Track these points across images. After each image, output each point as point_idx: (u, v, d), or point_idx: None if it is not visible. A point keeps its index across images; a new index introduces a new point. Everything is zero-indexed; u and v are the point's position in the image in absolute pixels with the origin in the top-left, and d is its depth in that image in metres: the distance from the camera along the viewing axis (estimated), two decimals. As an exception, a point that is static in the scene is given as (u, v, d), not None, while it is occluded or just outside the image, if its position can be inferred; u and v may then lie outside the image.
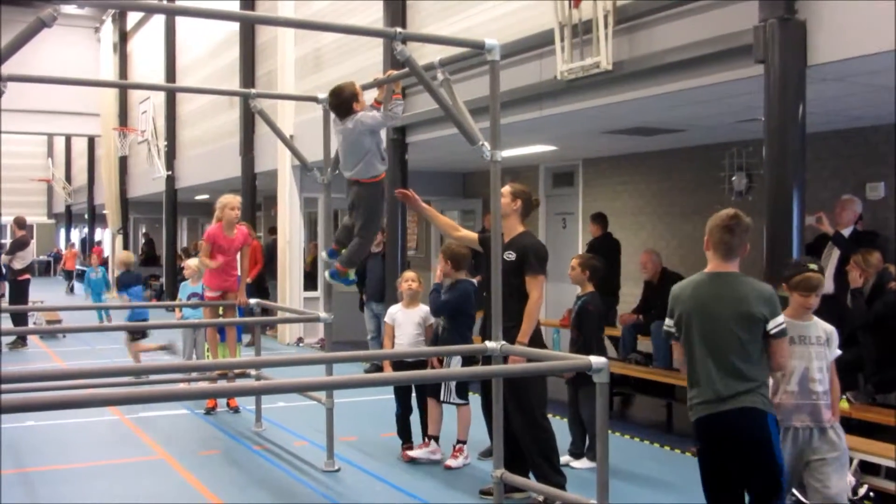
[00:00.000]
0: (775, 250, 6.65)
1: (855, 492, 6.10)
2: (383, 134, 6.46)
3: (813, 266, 5.11)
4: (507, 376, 5.68)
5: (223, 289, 9.22)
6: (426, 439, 7.67)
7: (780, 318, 4.43)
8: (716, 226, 4.62)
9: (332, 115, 6.29)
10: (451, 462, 7.44)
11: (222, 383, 9.21)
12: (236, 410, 9.70)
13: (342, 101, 5.90)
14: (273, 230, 17.27)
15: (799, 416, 4.86)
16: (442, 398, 7.51)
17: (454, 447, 7.54)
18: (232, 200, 8.96)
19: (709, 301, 4.48)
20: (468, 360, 7.14)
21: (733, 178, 10.61)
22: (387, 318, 8.00)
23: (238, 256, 9.28)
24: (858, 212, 8.59)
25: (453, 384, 7.44)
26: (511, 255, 6.17)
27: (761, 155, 6.87)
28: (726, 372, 4.39)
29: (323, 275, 6.69)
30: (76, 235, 41.29)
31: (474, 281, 7.68)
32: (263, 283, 15.46)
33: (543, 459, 6.20)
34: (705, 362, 4.44)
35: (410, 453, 7.61)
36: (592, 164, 13.43)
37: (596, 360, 4.33)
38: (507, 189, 6.37)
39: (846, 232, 8.50)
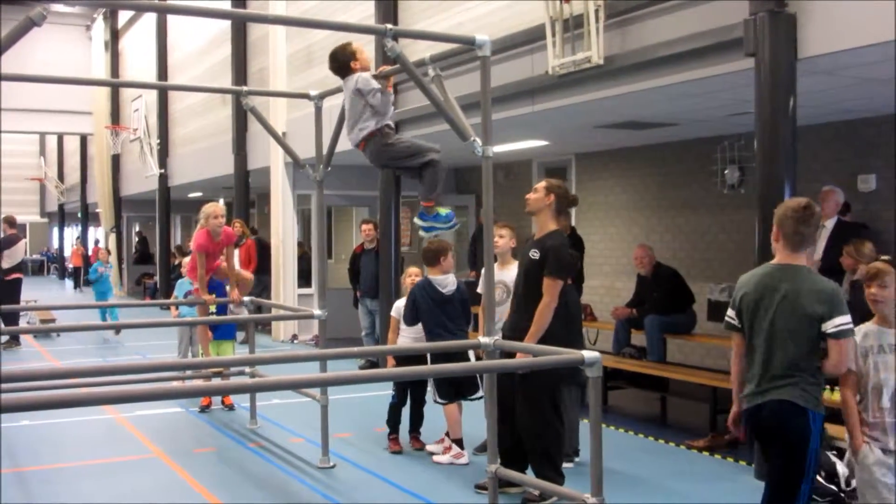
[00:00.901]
0: (767, 243, 6.64)
1: (848, 483, 6.12)
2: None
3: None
4: (500, 371, 5.66)
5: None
6: (447, 442, 7.64)
7: (842, 319, 4.30)
8: (788, 217, 4.44)
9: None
10: (439, 458, 7.49)
11: (217, 381, 9.21)
12: (231, 408, 9.71)
13: (340, 63, 5.75)
14: (254, 230, 17.26)
15: None
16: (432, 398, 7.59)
17: (444, 446, 7.59)
18: (216, 209, 8.93)
19: (768, 293, 4.44)
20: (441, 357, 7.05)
21: (726, 172, 10.63)
22: (393, 312, 8.02)
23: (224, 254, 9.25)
24: (841, 201, 8.60)
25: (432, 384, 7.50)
26: (536, 254, 6.01)
27: (753, 148, 6.89)
28: (771, 365, 4.39)
29: (418, 233, 5.81)
30: (69, 234, 41.22)
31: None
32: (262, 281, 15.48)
33: (546, 459, 6.07)
34: (757, 354, 4.47)
35: (437, 458, 7.56)
36: (585, 159, 13.44)
37: (588, 354, 4.35)
38: (541, 184, 6.17)
39: (829, 223, 8.51)
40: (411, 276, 7.96)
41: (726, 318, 4.74)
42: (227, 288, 9.27)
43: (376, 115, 5.56)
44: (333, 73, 5.85)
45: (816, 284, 4.38)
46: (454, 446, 7.51)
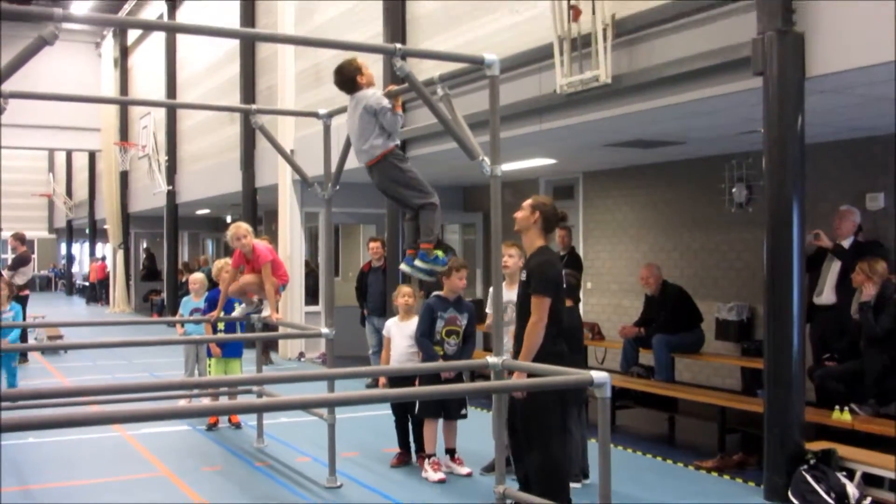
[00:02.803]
0: (776, 261, 6.65)
1: (858, 504, 6.09)
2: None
3: None
4: (507, 392, 5.62)
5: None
6: (450, 456, 7.72)
7: None
8: None
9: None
10: (426, 474, 7.51)
11: (224, 399, 9.18)
12: (238, 426, 9.69)
13: (345, 78, 5.74)
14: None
15: None
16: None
17: (429, 461, 7.61)
18: (236, 231, 8.33)
19: None
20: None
21: (734, 190, 10.62)
22: (384, 331, 8.12)
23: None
24: (857, 222, 8.61)
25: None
26: (524, 275, 5.93)
27: (761, 166, 6.88)
28: None
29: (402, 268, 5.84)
30: (77, 250, 41.33)
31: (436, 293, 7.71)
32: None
33: (548, 492, 5.52)
34: None
35: (424, 475, 7.56)
36: (593, 177, 13.44)
37: (598, 374, 4.33)
38: (528, 202, 6.03)
39: (846, 243, 8.52)
40: (403, 295, 7.96)
41: None
42: (237, 305, 9.17)
43: (384, 133, 5.57)
44: (338, 88, 5.85)
45: None
46: (427, 459, 7.59)
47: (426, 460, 7.60)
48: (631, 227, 12.75)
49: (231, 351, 9.62)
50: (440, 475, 7.43)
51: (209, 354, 9.75)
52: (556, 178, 14.07)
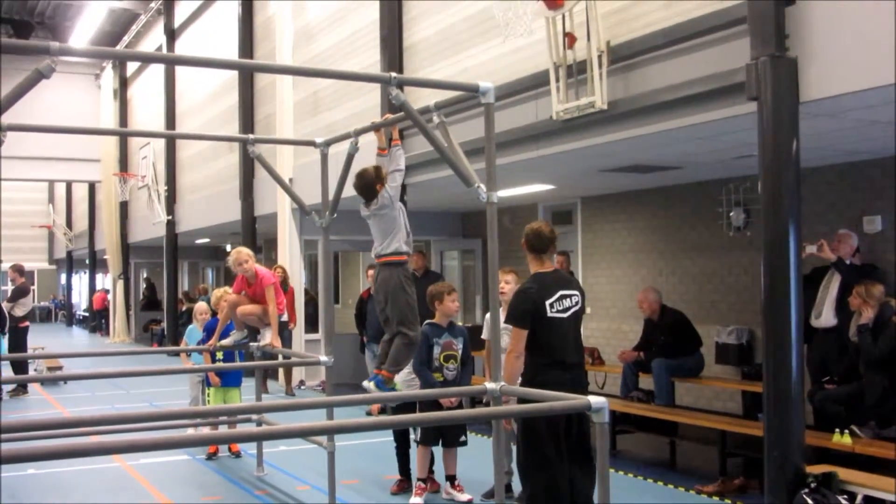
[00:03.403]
0: (773, 284, 6.66)
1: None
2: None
3: None
4: (504, 417, 5.58)
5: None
6: (451, 483, 7.73)
7: None
8: None
9: (361, 202, 6.27)
10: (413, 499, 7.54)
11: (224, 428, 9.16)
12: (238, 455, 9.67)
13: (367, 183, 5.90)
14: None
15: None
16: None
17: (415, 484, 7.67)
18: (237, 256, 8.33)
19: None
20: None
21: (731, 214, 10.66)
22: None
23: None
24: (855, 245, 8.64)
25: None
26: None
27: (758, 190, 6.90)
28: None
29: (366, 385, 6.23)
30: (77, 281, 41.34)
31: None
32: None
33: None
34: None
35: (413, 500, 7.59)
36: (591, 202, 13.48)
37: (595, 399, 4.32)
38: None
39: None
40: None
41: None
42: (233, 333, 9.06)
43: (407, 242, 5.96)
44: (357, 193, 6.04)
45: None
46: (418, 483, 7.64)
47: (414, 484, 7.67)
48: (630, 251, 12.77)
49: (230, 380, 9.60)
50: (417, 500, 7.49)
51: (208, 384, 9.72)
52: (555, 203, 14.11)
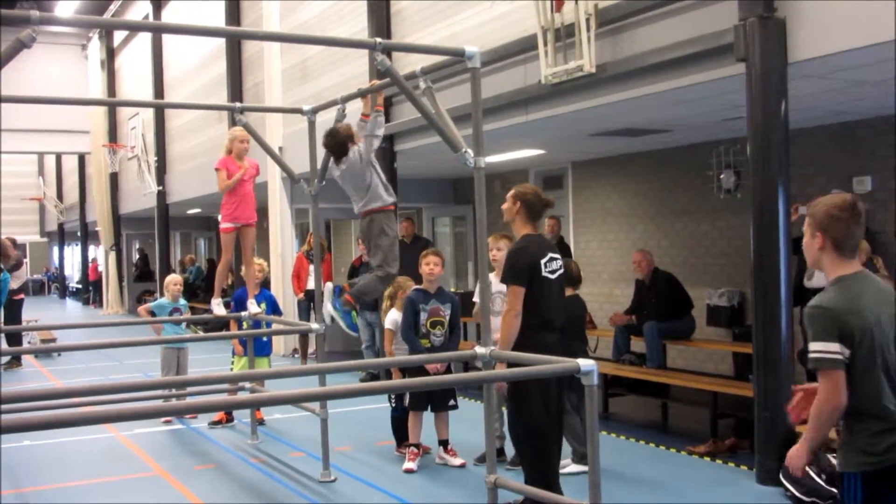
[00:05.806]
0: (762, 246, 6.69)
1: None
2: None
3: None
4: (494, 381, 5.59)
5: (241, 221, 8.29)
6: (443, 447, 7.78)
7: None
8: (835, 217, 3.81)
9: (330, 159, 6.37)
10: (407, 464, 7.59)
11: (220, 396, 9.17)
12: (231, 422, 9.70)
13: (338, 142, 5.99)
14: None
15: None
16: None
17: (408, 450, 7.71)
18: (241, 133, 8.12)
19: (881, 311, 3.57)
20: None
21: (722, 176, 10.66)
22: (388, 325, 7.97)
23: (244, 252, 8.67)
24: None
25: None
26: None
27: (748, 152, 6.91)
28: None
29: (324, 308, 6.57)
30: (69, 253, 41.29)
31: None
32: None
33: (534, 466, 5.64)
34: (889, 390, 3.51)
35: (406, 465, 7.64)
36: (581, 167, 13.47)
37: (584, 362, 4.35)
38: (510, 193, 5.92)
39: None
40: (405, 288, 7.94)
41: (828, 356, 3.45)
42: (249, 304, 8.83)
43: (388, 192, 6.26)
44: (327, 150, 6.18)
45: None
46: (411, 448, 7.67)
47: (406, 450, 7.71)
48: (620, 215, 12.78)
49: (261, 349, 9.50)
50: (410, 465, 7.52)
51: (233, 353, 9.71)
52: (546, 168, 14.10)
